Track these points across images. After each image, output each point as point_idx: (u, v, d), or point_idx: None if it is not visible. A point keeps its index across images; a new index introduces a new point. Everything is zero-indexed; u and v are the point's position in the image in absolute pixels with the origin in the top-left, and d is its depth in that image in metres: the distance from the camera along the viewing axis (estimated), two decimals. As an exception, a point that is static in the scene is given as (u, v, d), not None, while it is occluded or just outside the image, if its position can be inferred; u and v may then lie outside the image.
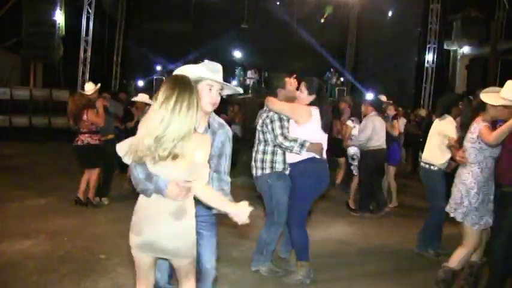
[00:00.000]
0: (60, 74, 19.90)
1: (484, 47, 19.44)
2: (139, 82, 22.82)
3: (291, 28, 23.76)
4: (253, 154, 5.69)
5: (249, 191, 7.69)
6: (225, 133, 3.75)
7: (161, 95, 3.14)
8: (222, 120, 3.83)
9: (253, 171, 5.65)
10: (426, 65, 21.16)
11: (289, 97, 5.65)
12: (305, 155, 5.31)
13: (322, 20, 23.79)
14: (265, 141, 5.54)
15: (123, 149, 3.35)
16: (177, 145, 3.09)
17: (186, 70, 3.55)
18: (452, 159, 6.14)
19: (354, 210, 9.18)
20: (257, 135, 5.65)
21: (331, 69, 23.44)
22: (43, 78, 20.47)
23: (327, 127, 5.54)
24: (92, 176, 8.43)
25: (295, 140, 5.26)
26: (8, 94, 17.08)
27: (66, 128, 11.68)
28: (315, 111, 5.43)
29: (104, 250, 6.23)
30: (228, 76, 23.42)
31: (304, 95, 5.54)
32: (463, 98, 7.26)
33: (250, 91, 21.62)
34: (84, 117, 8.22)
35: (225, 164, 3.75)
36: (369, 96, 13.70)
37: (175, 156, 3.11)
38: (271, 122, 5.42)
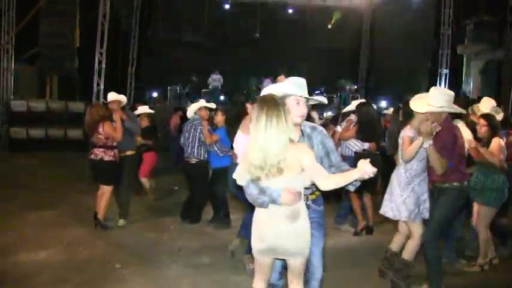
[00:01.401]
0: (75, 86, 20.12)
1: (497, 51, 19.35)
2: (154, 93, 22.95)
3: (304, 35, 23.80)
4: None
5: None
6: (320, 133, 4.10)
7: (254, 118, 3.52)
8: (312, 124, 4.23)
9: None
10: (439, 70, 21.07)
11: None
12: None
13: (330, 26, 23.76)
14: None
15: (238, 174, 3.68)
16: (281, 159, 3.46)
17: (272, 89, 3.87)
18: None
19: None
20: None
21: (345, 77, 23.43)
22: (58, 90, 20.69)
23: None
24: (104, 193, 7.75)
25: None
26: (25, 106, 17.29)
27: (81, 139, 11.43)
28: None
29: (119, 259, 6.31)
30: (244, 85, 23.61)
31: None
32: (474, 102, 7.33)
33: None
34: (100, 129, 7.61)
35: (336, 156, 4.12)
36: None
37: (280, 170, 3.48)
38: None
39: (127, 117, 8.25)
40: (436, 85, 20.93)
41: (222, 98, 22.32)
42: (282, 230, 3.59)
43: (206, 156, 8.31)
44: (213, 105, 8.73)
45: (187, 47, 24.24)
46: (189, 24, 24.35)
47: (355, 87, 23.64)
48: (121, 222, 8.10)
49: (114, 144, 7.80)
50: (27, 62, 19.48)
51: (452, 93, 5.22)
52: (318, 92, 22.91)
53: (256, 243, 3.71)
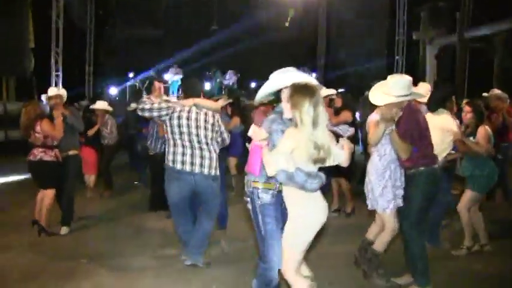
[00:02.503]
0: (33, 86, 19.85)
1: (452, 36, 19.74)
2: (111, 90, 22.65)
3: (261, 28, 23.86)
4: (205, 153, 5.76)
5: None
6: None
7: (305, 104, 3.80)
8: None
9: (205, 170, 5.75)
10: (396, 56, 21.40)
11: None
12: None
13: (287, 24, 23.87)
14: (215, 139, 5.91)
15: (279, 161, 3.84)
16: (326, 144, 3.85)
17: (301, 77, 4.13)
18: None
19: None
20: (208, 135, 5.78)
21: (305, 68, 23.58)
22: (16, 91, 20.40)
23: None
24: (45, 198, 7.18)
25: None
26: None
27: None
28: None
29: (85, 255, 6.35)
30: (205, 78, 23.57)
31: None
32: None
33: (225, 93, 21.73)
34: (38, 128, 7.04)
35: None
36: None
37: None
38: (221, 123, 5.97)
39: (70, 113, 7.64)
40: (393, 72, 21.27)
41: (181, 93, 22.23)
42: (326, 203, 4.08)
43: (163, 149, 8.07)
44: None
45: (145, 42, 24.08)
46: (145, 19, 24.18)
47: (313, 75, 23.78)
48: (64, 230, 7.41)
49: (55, 143, 7.22)
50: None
51: (409, 78, 5.07)
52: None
53: (319, 217, 4.01)
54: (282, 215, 4.24)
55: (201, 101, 5.84)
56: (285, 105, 4.15)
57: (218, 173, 5.86)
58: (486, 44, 19.74)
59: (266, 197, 4.25)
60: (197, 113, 5.72)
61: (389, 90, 4.94)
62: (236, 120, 9.15)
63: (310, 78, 4.18)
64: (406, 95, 4.95)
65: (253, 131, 4.27)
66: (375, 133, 5.07)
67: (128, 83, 22.42)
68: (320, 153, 3.81)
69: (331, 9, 23.97)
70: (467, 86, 18.30)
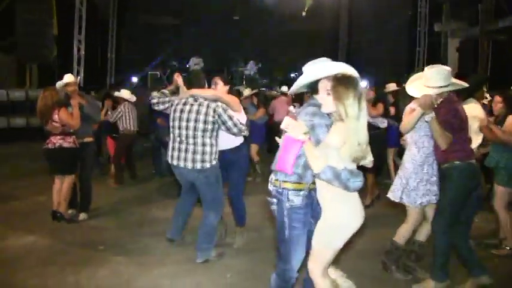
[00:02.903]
0: (55, 73, 20.03)
1: (473, 28, 19.53)
2: (133, 78, 22.79)
3: (283, 17, 23.79)
4: (189, 146, 5.69)
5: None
6: None
7: (350, 98, 3.56)
8: None
9: (188, 164, 5.69)
10: (418, 48, 21.29)
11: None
12: (240, 139, 6.17)
13: (304, 13, 23.75)
14: (212, 131, 5.67)
15: (329, 157, 3.58)
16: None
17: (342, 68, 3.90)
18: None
19: None
20: (199, 127, 5.63)
21: (325, 57, 23.47)
22: (39, 78, 20.58)
23: None
24: (64, 184, 7.29)
25: (243, 125, 5.76)
26: (5, 96, 17.22)
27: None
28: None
29: (102, 241, 6.51)
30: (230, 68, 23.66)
31: (221, 86, 6.07)
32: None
33: (246, 83, 21.80)
34: (55, 117, 7.10)
35: None
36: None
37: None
38: (225, 110, 5.63)
39: (86, 101, 7.66)
40: (414, 63, 21.17)
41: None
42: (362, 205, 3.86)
43: None
44: None
45: (167, 31, 24.16)
46: (167, 8, 24.22)
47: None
48: (82, 216, 7.58)
49: (72, 130, 7.24)
50: (4, 51, 19.34)
51: (448, 68, 4.86)
52: (295, 74, 23.08)
53: (356, 219, 3.78)
54: (312, 216, 3.95)
55: (197, 91, 5.75)
56: (323, 98, 3.81)
57: (207, 165, 5.64)
58: (509, 36, 19.50)
59: (297, 199, 3.84)
60: (191, 105, 5.68)
61: (428, 82, 4.81)
62: (262, 111, 9.27)
63: (350, 68, 3.86)
64: (446, 86, 4.79)
65: (289, 124, 3.66)
66: (409, 118, 4.93)
67: (149, 72, 22.48)
68: (361, 150, 3.58)
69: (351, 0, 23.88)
70: (490, 78, 18.10)
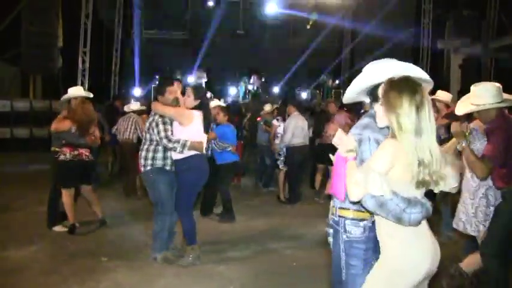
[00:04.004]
0: (59, 85, 20.11)
1: (476, 46, 19.60)
2: (135, 90, 22.76)
3: (286, 32, 23.91)
4: (140, 152, 6.23)
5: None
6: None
7: (394, 109, 2.85)
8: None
9: (141, 168, 6.22)
10: (420, 64, 21.33)
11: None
12: (188, 152, 5.96)
13: (308, 27, 23.91)
14: (150, 140, 6.13)
15: (370, 182, 2.81)
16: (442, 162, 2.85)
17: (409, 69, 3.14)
18: None
19: (285, 202, 10.02)
20: (146, 136, 6.21)
21: (327, 72, 23.58)
22: (42, 89, 20.68)
23: (207, 128, 6.39)
24: (91, 192, 7.61)
25: (177, 142, 5.89)
26: (9, 106, 17.30)
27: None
28: (198, 113, 6.16)
29: (105, 253, 6.49)
30: (234, 82, 23.73)
31: (191, 99, 6.22)
32: None
33: (249, 97, 21.89)
34: (96, 132, 7.53)
35: None
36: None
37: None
38: (157, 125, 6.01)
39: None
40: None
41: (208, 94, 22.32)
42: (437, 245, 3.01)
43: (209, 153, 8.38)
44: (223, 104, 9.06)
45: (171, 44, 24.28)
46: (172, 22, 24.36)
47: (337, 82, 23.75)
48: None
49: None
50: (9, 62, 19.44)
51: (497, 85, 4.51)
52: (299, 88, 23.18)
53: (422, 264, 2.93)
54: (374, 252, 3.21)
55: (155, 105, 6.20)
56: (377, 108, 3.12)
57: (143, 168, 6.15)
58: (511, 54, 19.58)
59: (356, 231, 3.22)
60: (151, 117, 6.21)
61: (475, 100, 4.52)
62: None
63: (417, 70, 3.15)
64: (498, 102, 4.45)
65: (338, 138, 3.07)
66: (445, 149, 4.22)
67: (153, 84, 22.57)
68: (427, 173, 2.82)
69: (355, 16, 23.99)
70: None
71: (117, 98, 14.95)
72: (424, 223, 2.94)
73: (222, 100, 10.39)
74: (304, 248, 6.95)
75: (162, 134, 5.94)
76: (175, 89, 6.25)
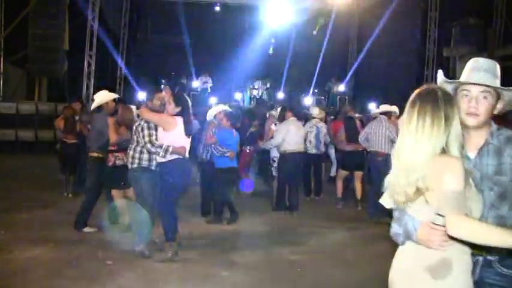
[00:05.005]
0: (64, 88, 20.19)
1: (482, 54, 19.57)
2: (139, 94, 22.67)
3: (293, 37, 23.88)
4: (128, 151, 6.74)
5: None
6: None
7: (405, 116, 2.53)
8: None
9: (128, 165, 6.72)
10: (426, 72, 21.33)
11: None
12: (170, 156, 6.34)
13: (315, 32, 23.92)
14: (137, 142, 6.58)
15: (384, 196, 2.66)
16: (420, 176, 2.37)
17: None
18: None
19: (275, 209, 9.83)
20: (134, 136, 6.68)
21: (333, 78, 23.51)
22: (48, 92, 20.73)
23: (189, 133, 6.62)
24: (129, 194, 7.51)
25: (160, 146, 6.32)
26: (14, 108, 17.34)
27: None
28: (179, 120, 6.50)
29: (110, 256, 6.46)
30: (238, 87, 23.71)
31: (172, 107, 6.55)
32: None
33: (254, 102, 21.89)
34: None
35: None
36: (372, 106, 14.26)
37: (419, 191, 2.39)
38: (142, 130, 6.49)
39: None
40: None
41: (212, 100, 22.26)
42: (416, 286, 2.44)
43: (208, 156, 8.77)
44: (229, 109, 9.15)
45: (176, 49, 24.32)
46: (177, 26, 24.40)
47: (343, 89, 23.67)
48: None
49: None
50: (16, 64, 19.51)
51: None
52: (303, 94, 23.16)
53: None
54: None
55: (142, 111, 6.70)
56: None
57: (129, 165, 6.66)
58: (517, 63, 19.57)
59: None
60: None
61: None
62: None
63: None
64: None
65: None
66: None
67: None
68: None
69: (361, 23, 23.99)
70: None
71: (119, 101, 14.92)
72: (414, 252, 2.53)
73: (227, 105, 10.28)
74: (308, 254, 6.94)
75: (147, 138, 6.43)
76: (162, 96, 6.68)
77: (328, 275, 6.10)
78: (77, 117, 10.55)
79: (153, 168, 6.62)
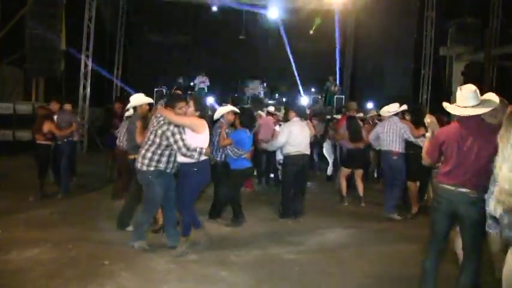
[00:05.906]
0: (61, 88, 20.15)
1: (479, 53, 19.62)
2: (138, 94, 22.59)
3: (289, 37, 23.86)
4: (142, 151, 6.64)
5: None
6: None
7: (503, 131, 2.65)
8: None
9: (138, 165, 6.63)
10: (423, 71, 21.34)
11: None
12: (185, 159, 6.53)
13: (311, 32, 23.96)
14: (159, 144, 6.52)
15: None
16: None
17: None
18: None
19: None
20: (150, 137, 6.59)
21: (331, 78, 23.49)
22: (45, 92, 20.69)
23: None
24: None
25: (195, 150, 6.41)
26: (11, 109, 17.29)
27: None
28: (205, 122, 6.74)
29: (108, 256, 6.47)
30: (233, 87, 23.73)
31: (191, 109, 6.71)
32: None
33: (250, 102, 21.85)
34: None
35: None
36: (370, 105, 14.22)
37: None
38: (173, 135, 6.43)
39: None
40: (419, 87, 21.24)
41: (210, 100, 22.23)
42: None
43: (223, 157, 8.64)
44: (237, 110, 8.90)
45: (173, 49, 24.31)
46: (174, 26, 24.39)
47: (340, 88, 23.67)
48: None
49: None
50: (13, 65, 19.48)
51: (473, 88, 4.55)
52: (301, 93, 23.18)
53: None
54: None
55: (167, 113, 6.57)
56: None
57: (143, 168, 6.56)
58: (514, 62, 19.64)
59: None
60: (158, 120, 6.62)
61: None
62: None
63: None
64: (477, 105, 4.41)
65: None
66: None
67: (155, 88, 22.53)
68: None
69: (358, 21, 23.99)
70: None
71: (117, 101, 14.92)
72: None
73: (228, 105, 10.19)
74: (307, 253, 6.95)
75: (180, 143, 6.39)
76: (184, 105, 6.67)
77: (328, 274, 6.11)
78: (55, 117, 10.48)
79: (168, 171, 6.68)
